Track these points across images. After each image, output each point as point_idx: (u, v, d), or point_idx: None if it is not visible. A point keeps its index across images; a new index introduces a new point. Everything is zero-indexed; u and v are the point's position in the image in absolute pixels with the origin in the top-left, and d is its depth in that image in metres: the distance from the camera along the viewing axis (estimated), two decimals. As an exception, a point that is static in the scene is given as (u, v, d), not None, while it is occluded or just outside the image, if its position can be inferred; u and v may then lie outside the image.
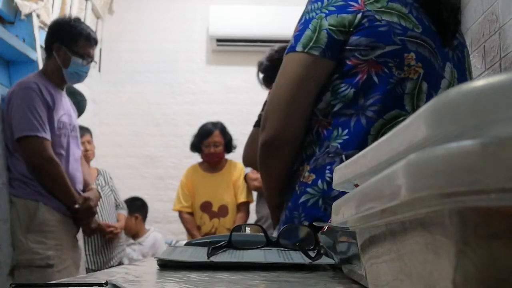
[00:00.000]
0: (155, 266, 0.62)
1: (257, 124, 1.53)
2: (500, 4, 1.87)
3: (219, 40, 4.09)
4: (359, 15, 0.92)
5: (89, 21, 3.58)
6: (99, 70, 4.10)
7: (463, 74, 1.02)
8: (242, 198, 3.01)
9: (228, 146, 3.08)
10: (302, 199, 0.95)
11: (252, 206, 2.93)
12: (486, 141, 0.16)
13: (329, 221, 0.54)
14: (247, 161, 2.16)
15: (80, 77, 2.12)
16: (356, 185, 0.35)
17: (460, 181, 0.17)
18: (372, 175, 0.24)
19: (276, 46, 2.10)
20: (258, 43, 4.03)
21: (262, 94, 2.11)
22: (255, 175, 2.76)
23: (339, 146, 0.92)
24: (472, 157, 0.16)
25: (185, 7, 4.21)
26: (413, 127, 0.21)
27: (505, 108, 0.17)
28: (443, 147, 0.17)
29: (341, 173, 0.36)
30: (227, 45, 4.13)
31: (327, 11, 0.94)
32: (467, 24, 2.18)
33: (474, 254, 0.17)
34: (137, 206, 3.46)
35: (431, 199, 0.18)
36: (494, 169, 0.16)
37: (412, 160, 0.18)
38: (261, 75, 2.13)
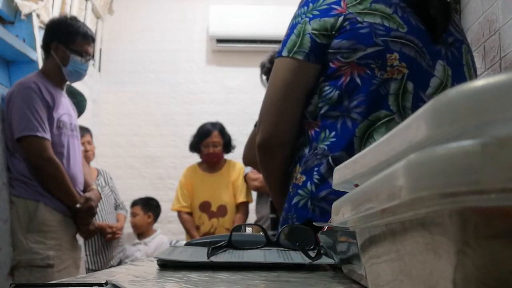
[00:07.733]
0: (155, 266, 0.62)
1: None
2: (500, 4, 1.87)
3: (219, 40, 4.09)
4: (341, 18, 0.92)
5: (89, 21, 3.58)
6: (99, 70, 4.10)
7: (459, 71, 1.00)
8: (241, 198, 3.01)
9: (227, 146, 3.08)
10: (294, 200, 0.95)
11: (252, 206, 2.93)
12: (486, 141, 0.16)
13: (329, 221, 0.54)
14: (247, 161, 2.16)
15: (80, 75, 2.12)
16: (356, 185, 0.35)
17: (460, 181, 0.17)
18: (372, 175, 0.24)
19: (277, 48, 2.11)
20: (258, 43, 4.03)
21: (262, 94, 2.11)
22: (255, 175, 2.76)
23: (326, 147, 0.93)
24: (472, 157, 0.16)
25: (185, 7, 4.21)
26: (413, 127, 0.21)
27: (505, 108, 0.17)
28: (443, 147, 0.17)
29: (341, 173, 0.36)
30: (227, 45, 4.13)
31: (311, 16, 0.94)
32: (467, 24, 2.18)
33: (474, 254, 0.17)
34: (152, 206, 3.52)
35: (431, 199, 0.18)
36: (494, 169, 0.16)
37: (412, 160, 0.18)
38: (264, 77, 2.15)
